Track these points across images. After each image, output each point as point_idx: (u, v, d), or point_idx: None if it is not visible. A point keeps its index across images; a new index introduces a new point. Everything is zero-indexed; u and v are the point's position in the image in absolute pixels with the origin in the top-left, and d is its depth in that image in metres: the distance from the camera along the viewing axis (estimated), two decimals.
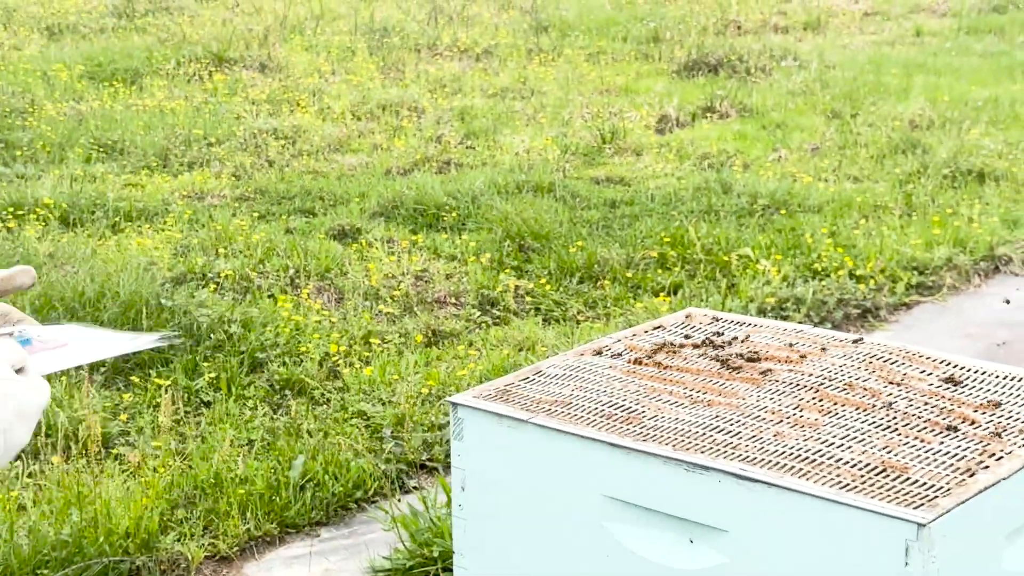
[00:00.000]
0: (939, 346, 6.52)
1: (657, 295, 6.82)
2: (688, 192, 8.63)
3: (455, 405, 2.21)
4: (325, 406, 5.62)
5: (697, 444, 2.05)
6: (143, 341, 2.13)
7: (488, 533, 2.21)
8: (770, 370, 2.31)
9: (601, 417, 2.15)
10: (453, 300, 6.83)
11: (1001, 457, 1.99)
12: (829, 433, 2.07)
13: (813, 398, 2.20)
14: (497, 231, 7.72)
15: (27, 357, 1.69)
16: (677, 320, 2.59)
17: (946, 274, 7.20)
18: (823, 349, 2.41)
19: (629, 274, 7.09)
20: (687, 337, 2.48)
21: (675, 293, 6.87)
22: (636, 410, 2.18)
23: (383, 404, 5.59)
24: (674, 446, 2.04)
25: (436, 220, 8.06)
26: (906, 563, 1.82)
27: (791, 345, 2.43)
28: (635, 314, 6.53)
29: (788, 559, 1.93)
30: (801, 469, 1.96)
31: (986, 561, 1.94)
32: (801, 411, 2.15)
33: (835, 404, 2.17)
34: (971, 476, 1.93)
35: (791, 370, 2.31)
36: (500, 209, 8.05)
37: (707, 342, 2.43)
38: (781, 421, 2.12)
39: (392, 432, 5.27)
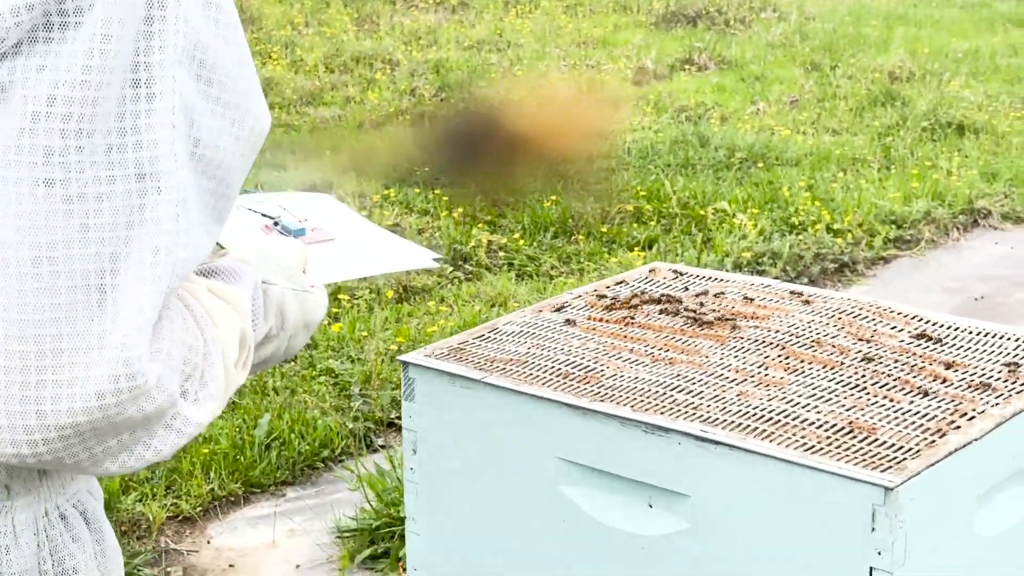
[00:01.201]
0: (916, 301, 6.46)
1: (632, 250, 6.73)
2: (665, 145, 8.53)
3: (406, 364, 2.12)
4: (293, 363, 5.52)
5: (657, 404, 1.96)
6: (415, 259, 1.99)
7: (441, 497, 2.12)
8: (735, 327, 2.22)
9: (558, 376, 2.06)
10: None
11: (973, 417, 1.90)
12: (795, 392, 1.98)
13: (779, 356, 2.11)
14: (470, 186, 7.60)
15: (308, 259, 1.66)
16: (641, 275, 2.50)
17: (924, 228, 7.13)
18: (791, 304, 2.32)
19: (604, 229, 6.99)
20: (650, 293, 2.39)
21: (650, 248, 6.78)
22: (594, 369, 2.08)
23: (351, 361, 5.50)
24: (632, 407, 1.95)
25: (409, 175, 7.94)
26: (872, 528, 1.74)
27: (758, 300, 2.34)
28: (609, 269, 6.44)
29: (751, 524, 1.84)
30: (765, 430, 1.87)
31: (956, 524, 1.86)
32: (766, 369, 2.06)
33: (802, 362, 2.08)
34: (941, 437, 1.85)
35: (757, 327, 2.22)
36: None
37: (670, 298, 2.34)
38: (745, 380, 2.03)
39: (360, 390, 5.19)
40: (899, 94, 9.47)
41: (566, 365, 2.10)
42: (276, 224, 1.92)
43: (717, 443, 1.85)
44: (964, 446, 1.83)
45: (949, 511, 1.83)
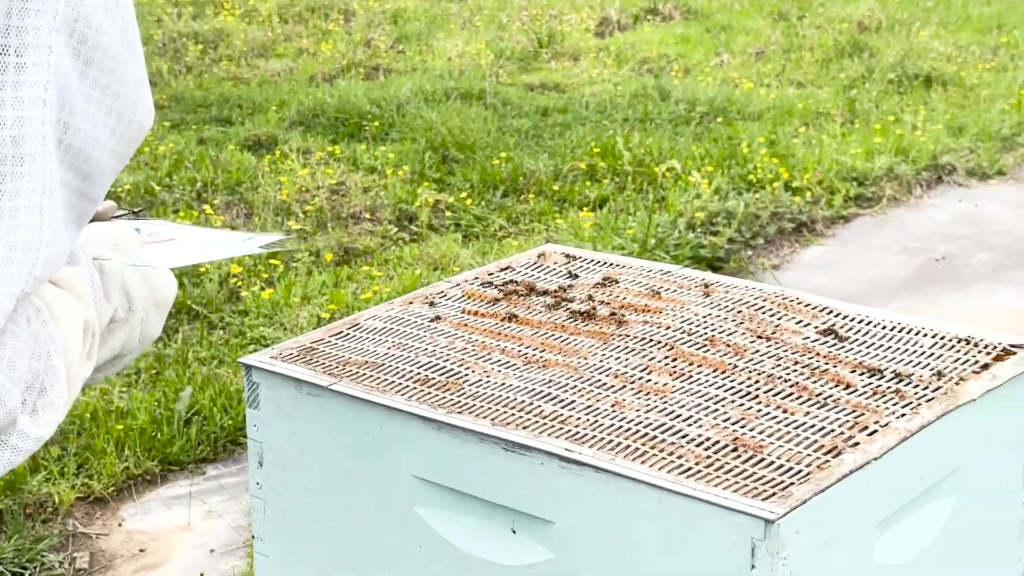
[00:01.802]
0: (875, 262, 6.24)
1: (582, 209, 6.49)
2: (624, 99, 8.28)
3: (248, 367, 1.89)
4: (222, 331, 5.29)
5: (521, 416, 1.73)
6: (255, 243, 1.85)
7: (290, 516, 1.90)
8: (623, 322, 1.99)
9: (416, 383, 1.83)
10: (369, 215, 6.49)
11: (875, 432, 1.68)
12: (677, 402, 1.76)
13: (666, 357, 1.88)
14: (420, 141, 7.36)
15: (142, 245, 1.54)
16: (529, 260, 2.27)
17: (886, 185, 6.91)
18: (688, 295, 2.09)
19: (556, 187, 6.76)
20: (535, 281, 2.16)
21: (602, 207, 6.55)
22: (458, 373, 1.86)
23: (284, 329, 5.26)
24: (493, 420, 1.72)
25: (358, 130, 7.69)
26: (752, 565, 1.52)
27: (653, 290, 2.11)
28: (557, 229, 6.21)
29: (620, 556, 1.62)
30: (638, 449, 1.65)
31: (854, 555, 1.64)
32: (650, 374, 1.84)
33: (690, 365, 1.86)
34: (836, 456, 1.62)
35: (647, 322, 1.99)
36: (425, 118, 7.69)
37: (552, 289, 2.11)
38: (624, 387, 1.80)
39: None
40: (867, 45, 9.21)
41: (427, 369, 1.87)
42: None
43: (582, 464, 1.63)
44: (861, 467, 1.61)
45: (844, 541, 1.62)
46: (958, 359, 1.88)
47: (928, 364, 1.86)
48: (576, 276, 2.18)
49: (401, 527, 1.79)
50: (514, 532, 1.72)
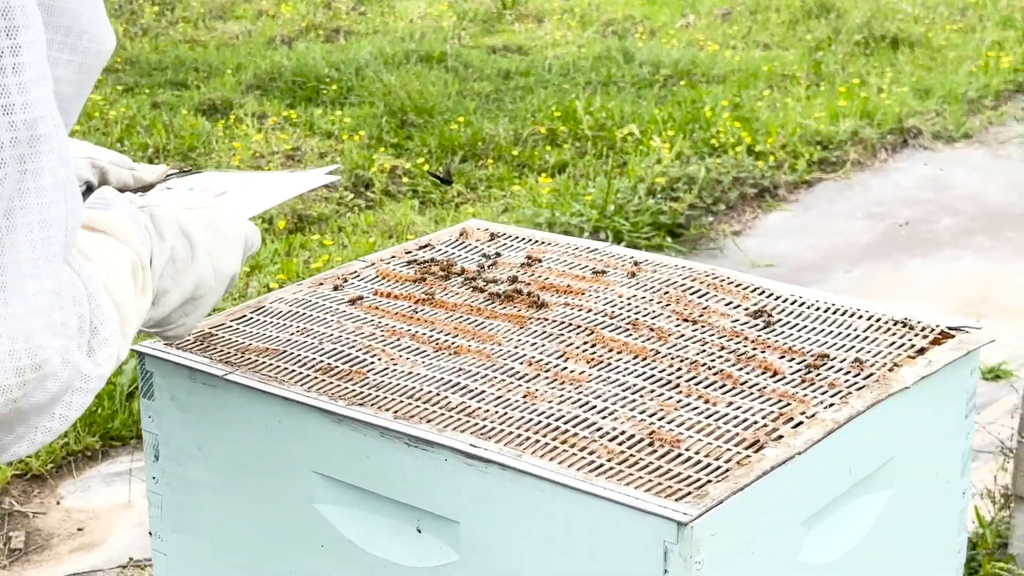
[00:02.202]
0: (839, 228, 6.13)
1: (542, 175, 6.38)
2: (588, 62, 8.16)
3: (141, 355, 1.78)
4: None
5: (427, 409, 1.62)
6: (311, 179, 1.82)
7: (188, 513, 1.79)
8: (543, 304, 1.88)
9: (318, 371, 1.72)
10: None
11: (800, 423, 1.58)
12: (593, 392, 1.65)
13: (585, 343, 1.77)
14: (379, 106, 7.22)
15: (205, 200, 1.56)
16: (450, 237, 2.15)
17: (851, 149, 6.80)
18: (614, 275, 1.98)
19: (516, 152, 6.63)
20: (454, 260, 2.05)
21: (561, 172, 6.43)
22: (363, 361, 1.75)
23: (233, 299, 5.14)
24: (396, 412, 1.61)
25: (316, 94, 7.55)
26: (665, 570, 1.42)
27: (578, 269, 2.01)
28: (514, 196, 6.10)
29: (528, 558, 1.52)
30: (548, 444, 1.54)
31: (776, 556, 1.54)
32: (566, 361, 1.73)
33: (610, 351, 1.75)
34: (758, 451, 1.52)
35: (568, 304, 1.88)
36: (384, 81, 7.55)
37: (471, 269, 2.00)
38: (538, 376, 1.69)
39: None
40: (834, 5, 9.09)
41: (331, 357, 1.76)
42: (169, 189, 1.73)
43: (487, 461, 1.52)
44: (783, 463, 1.50)
45: (766, 541, 1.52)
46: (893, 343, 1.78)
47: (862, 348, 1.76)
48: (498, 255, 2.06)
49: (302, 525, 1.69)
50: (419, 532, 1.61)
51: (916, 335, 1.79)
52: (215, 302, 1.51)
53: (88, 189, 1.70)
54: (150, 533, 1.85)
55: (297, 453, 1.67)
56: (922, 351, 1.75)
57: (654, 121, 6.81)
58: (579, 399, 1.63)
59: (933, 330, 1.80)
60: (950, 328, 1.80)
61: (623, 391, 1.65)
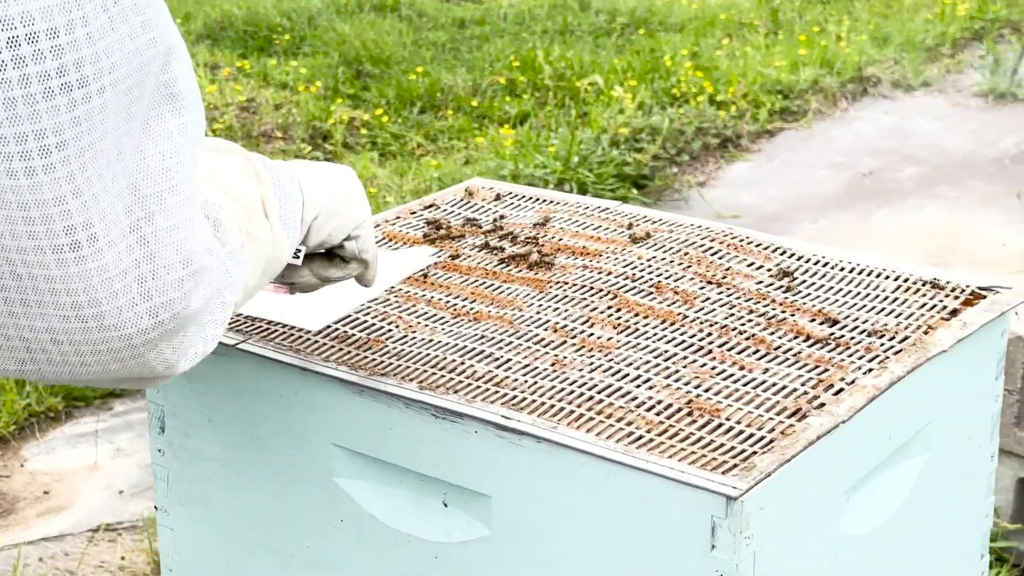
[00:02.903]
0: (803, 178, 6.10)
1: (503, 126, 6.30)
2: (543, 10, 8.06)
3: None
4: None
5: (452, 379, 1.56)
6: (417, 259, 1.83)
7: (196, 487, 1.72)
8: (560, 267, 1.82)
9: (334, 340, 1.65)
10: (281, 134, 6.25)
11: (841, 390, 1.53)
12: (623, 359, 1.59)
13: (609, 308, 1.71)
14: (333, 56, 7.10)
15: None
16: (455, 196, 2.08)
17: (812, 98, 6.77)
18: (630, 235, 1.92)
19: (475, 103, 6.55)
20: (461, 220, 1.98)
21: (522, 123, 6.35)
22: (380, 328, 1.68)
23: None
24: (420, 382, 1.55)
25: (268, 44, 7.41)
26: (712, 545, 1.37)
27: (591, 230, 1.94)
28: (477, 147, 6.01)
29: (564, 533, 1.46)
30: (582, 415, 1.48)
31: (820, 527, 1.50)
32: (591, 327, 1.67)
33: (636, 316, 1.69)
34: (801, 420, 1.47)
35: (586, 266, 1.82)
36: (338, 31, 7.42)
37: (483, 230, 1.93)
38: (564, 342, 1.63)
39: None
40: None
41: (346, 324, 1.69)
42: None
43: (521, 433, 1.46)
44: (828, 432, 1.45)
45: (810, 514, 1.47)
46: (924, 304, 1.73)
47: (893, 311, 1.71)
48: (503, 217, 2.00)
49: (320, 500, 1.62)
50: (445, 506, 1.55)
51: (947, 296, 1.74)
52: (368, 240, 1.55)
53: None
54: (155, 507, 1.77)
55: (315, 425, 1.60)
56: (955, 312, 1.70)
57: (614, 71, 6.74)
58: (610, 367, 1.57)
59: (964, 290, 1.75)
60: (981, 288, 1.75)
61: (655, 358, 1.60)
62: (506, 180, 5.44)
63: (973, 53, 7.52)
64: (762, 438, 1.44)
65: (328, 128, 6.22)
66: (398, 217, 2.01)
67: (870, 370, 1.57)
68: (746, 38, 7.48)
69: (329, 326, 1.67)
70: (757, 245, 1.89)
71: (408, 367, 1.59)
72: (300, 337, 1.65)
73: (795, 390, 1.53)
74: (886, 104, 6.89)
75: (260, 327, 1.68)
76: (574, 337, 1.64)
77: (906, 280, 1.79)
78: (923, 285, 1.78)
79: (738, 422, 1.47)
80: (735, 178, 6.00)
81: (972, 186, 5.88)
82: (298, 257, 1.49)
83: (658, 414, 1.49)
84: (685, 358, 1.60)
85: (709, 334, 1.65)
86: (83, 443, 4.04)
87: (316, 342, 1.64)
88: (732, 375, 1.56)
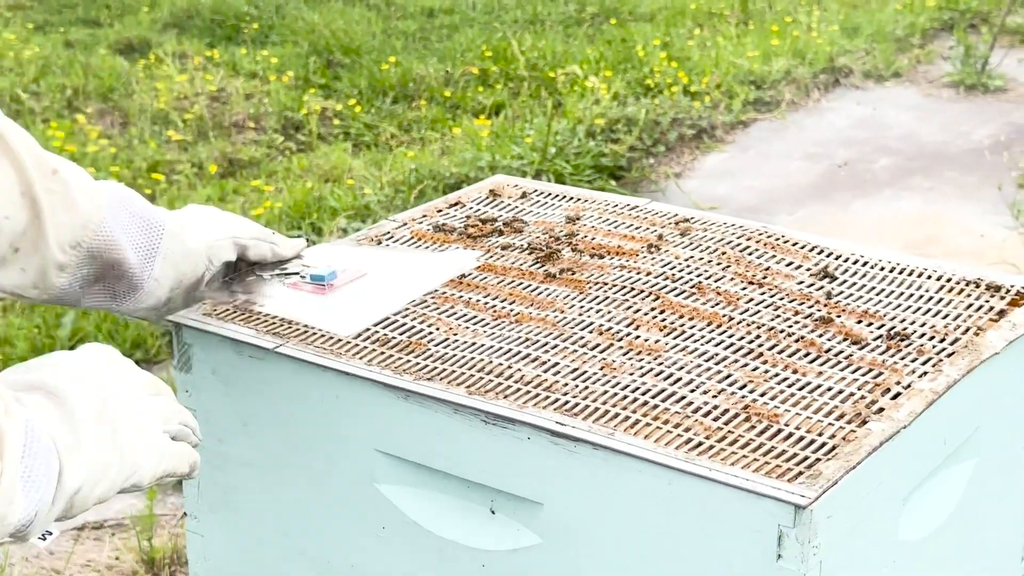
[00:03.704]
0: (779, 169, 6.09)
1: (477, 116, 6.25)
2: (513, 0, 8.01)
3: (178, 326, 1.65)
4: None
5: (499, 383, 1.52)
6: (459, 262, 1.78)
7: (229, 493, 1.67)
8: (598, 267, 1.78)
9: (374, 343, 1.61)
10: (253, 124, 6.18)
11: (898, 394, 1.50)
12: (673, 363, 1.56)
13: (652, 308, 1.68)
14: (303, 45, 7.03)
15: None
16: (480, 194, 2.04)
17: (784, 88, 6.76)
18: (663, 233, 1.89)
19: (448, 93, 6.49)
20: (490, 219, 1.94)
21: (497, 114, 6.31)
22: (421, 331, 1.64)
23: None
24: (468, 387, 1.51)
25: (236, 32, 7.32)
26: (779, 555, 1.34)
27: (623, 229, 1.91)
28: (453, 139, 5.96)
29: (622, 544, 1.43)
30: (637, 420, 1.45)
31: (879, 534, 1.47)
32: (637, 329, 1.63)
33: (681, 317, 1.66)
34: (862, 425, 1.44)
35: (623, 266, 1.79)
36: (307, 20, 7.35)
37: (514, 226, 1.90)
38: (611, 345, 1.60)
39: None
40: None
41: (386, 327, 1.65)
42: (302, 277, 1.73)
43: (576, 440, 1.42)
44: (891, 437, 1.43)
45: (872, 521, 1.44)
46: (971, 305, 1.70)
47: (940, 312, 1.69)
48: (537, 215, 1.96)
49: (361, 507, 1.58)
50: (493, 513, 1.51)
51: (993, 296, 1.72)
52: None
53: (228, 267, 1.70)
54: (185, 514, 1.73)
55: (357, 430, 1.56)
56: (1002, 313, 1.68)
57: (587, 61, 6.71)
58: (661, 371, 1.54)
59: (1009, 290, 1.73)
60: None
61: (705, 361, 1.56)
62: (484, 172, 5.40)
63: (943, 43, 7.54)
64: (824, 444, 1.41)
65: (301, 119, 6.15)
66: (424, 215, 1.97)
67: (924, 373, 1.54)
68: (716, 28, 7.47)
69: (367, 329, 1.63)
70: (794, 244, 1.86)
71: (454, 371, 1.55)
72: (339, 340, 1.61)
73: (852, 394, 1.50)
74: (858, 94, 6.89)
75: (297, 330, 1.63)
76: (620, 340, 1.61)
77: (949, 280, 1.77)
78: (967, 285, 1.75)
79: (798, 428, 1.44)
80: (711, 169, 5.98)
81: (947, 177, 5.89)
82: (44, 539, 1.24)
83: (715, 419, 1.46)
84: (736, 361, 1.56)
85: (757, 336, 1.62)
86: None
87: (356, 345, 1.60)
88: (786, 379, 1.53)
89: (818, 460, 1.39)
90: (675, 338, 1.61)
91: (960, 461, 1.61)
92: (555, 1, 7.88)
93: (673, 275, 1.76)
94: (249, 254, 1.71)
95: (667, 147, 6.04)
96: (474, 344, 1.61)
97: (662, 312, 1.67)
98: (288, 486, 1.63)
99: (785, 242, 1.87)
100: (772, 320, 1.65)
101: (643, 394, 1.50)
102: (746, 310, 1.68)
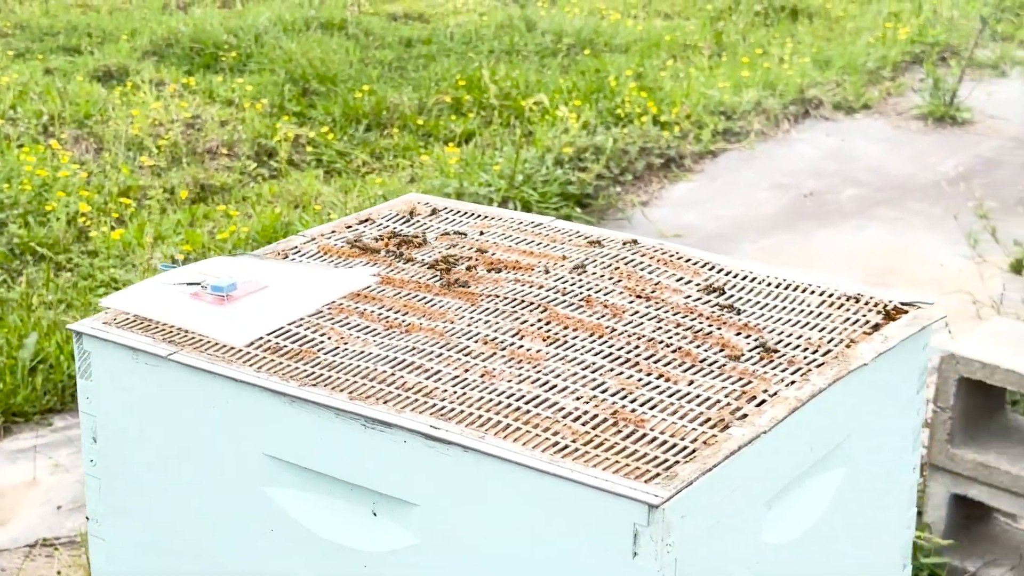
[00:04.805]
0: (746, 198, 6.15)
1: (448, 144, 6.32)
2: (490, 30, 8.10)
3: (78, 335, 1.71)
4: (70, 273, 5.04)
5: (382, 389, 1.58)
6: (357, 279, 1.83)
7: (129, 497, 1.73)
8: (493, 281, 1.84)
9: (265, 351, 1.66)
10: (226, 151, 6.24)
11: (763, 401, 1.56)
12: (551, 371, 1.62)
13: (539, 320, 1.74)
14: (280, 73, 7.11)
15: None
16: (391, 211, 2.11)
17: (754, 119, 6.83)
18: (562, 249, 1.95)
19: (420, 121, 6.57)
20: (398, 235, 2.00)
21: (468, 142, 6.38)
22: (312, 340, 1.70)
23: (137, 271, 5.03)
24: (351, 393, 1.57)
25: (214, 61, 7.40)
26: (635, 552, 1.39)
27: (524, 245, 1.97)
28: (422, 166, 6.03)
29: (491, 542, 1.49)
30: (509, 425, 1.51)
31: (741, 536, 1.52)
32: (522, 339, 1.69)
33: (565, 328, 1.72)
34: (723, 430, 1.50)
35: (518, 280, 1.85)
36: (285, 48, 7.43)
37: (416, 244, 1.96)
38: (494, 354, 1.66)
39: None
40: None
41: (278, 336, 1.70)
42: (204, 287, 1.78)
43: (448, 443, 1.48)
44: (750, 442, 1.48)
45: (732, 522, 1.50)
46: (847, 319, 1.76)
47: (817, 324, 1.75)
48: (446, 234, 2.02)
49: (251, 509, 1.64)
50: (375, 515, 1.57)
51: (870, 310, 1.78)
52: None
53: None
54: (87, 518, 1.78)
55: (246, 435, 1.62)
56: (877, 327, 1.74)
57: (559, 90, 6.79)
58: (538, 378, 1.60)
59: (886, 305, 1.79)
60: (903, 304, 1.79)
61: (582, 369, 1.62)
62: (451, 198, 5.46)
63: (914, 76, 7.62)
64: (684, 448, 1.47)
65: (273, 145, 6.22)
66: (333, 231, 2.03)
67: (792, 382, 1.60)
68: (690, 60, 7.55)
69: (260, 338, 1.69)
70: (686, 260, 1.92)
71: (339, 378, 1.61)
72: (230, 348, 1.67)
73: (718, 401, 1.56)
74: (828, 126, 6.96)
75: (193, 338, 1.69)
76: (504, 349, 1.67)
77: (831, 295, 1.83)
78: (847, 300, 1.81)
79: (662, 432, 1.50)
80: (678, 198, 6.05)
81: (912, 208, 5.96)
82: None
83: (584, 424, 1.51)
84: (612, 370, 1.62)
85: (636, 347, 1.68)
86: (22, 459, 4.02)
87: (248, 353, 1.66)
88: (657, 386, 1.59)
89: (677, 463, 1.44)
90: (557, 347, 1.67)
91: (830, 468, 1.67)
92: (532, 32, 7.97)
93: (564, 288, 1.82)
94: None
95: (635, 176, 6.11)
96: (362, 352, 1.67)
97: (548, 324, 1.73)
98: (183, 490, 1.69)
99: (678, 258, 1.93)
100: (653, 332, 1.71)
101: (518, 400, 1.55)
102: (630, 322, 1.74)
